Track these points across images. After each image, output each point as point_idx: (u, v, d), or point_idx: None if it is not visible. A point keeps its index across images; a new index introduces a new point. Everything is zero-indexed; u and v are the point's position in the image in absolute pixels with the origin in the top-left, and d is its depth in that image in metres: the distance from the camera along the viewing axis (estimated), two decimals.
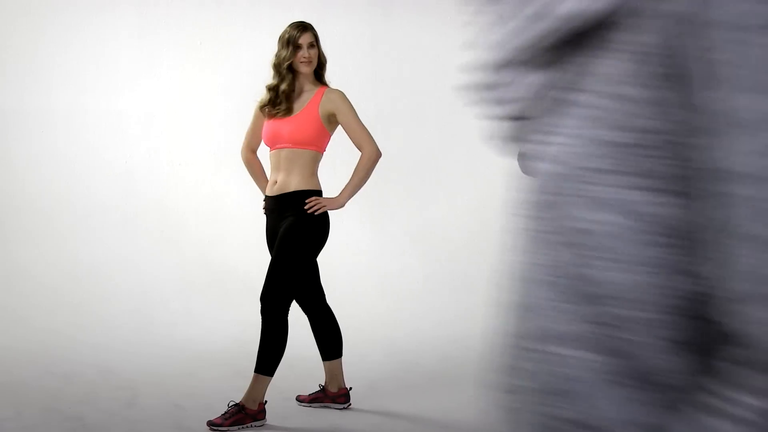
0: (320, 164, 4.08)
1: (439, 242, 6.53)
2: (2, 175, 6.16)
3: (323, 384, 4.25)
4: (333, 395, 4.21)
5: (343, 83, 4.22)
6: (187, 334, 5.43)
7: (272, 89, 4.04)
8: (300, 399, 4.28)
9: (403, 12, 6.64)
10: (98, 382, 4.56)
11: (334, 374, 4.21)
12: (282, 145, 4.00)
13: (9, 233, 6.08)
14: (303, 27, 4.02)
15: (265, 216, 4.14)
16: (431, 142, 6.67)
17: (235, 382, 4.38)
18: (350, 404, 4.23)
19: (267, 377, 3.91)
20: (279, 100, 4.00)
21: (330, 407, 4.21)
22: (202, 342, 5.32)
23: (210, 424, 3.84)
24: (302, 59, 3.96)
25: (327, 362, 4.21)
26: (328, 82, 4.10)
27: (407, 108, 6.65)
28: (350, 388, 4.25)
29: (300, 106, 4.00)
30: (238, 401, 3.92)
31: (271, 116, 4.05)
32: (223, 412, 3.89)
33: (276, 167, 4.03)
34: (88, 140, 6.30)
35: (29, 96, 6.23)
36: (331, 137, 4.09)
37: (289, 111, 4.00)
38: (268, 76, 4.11)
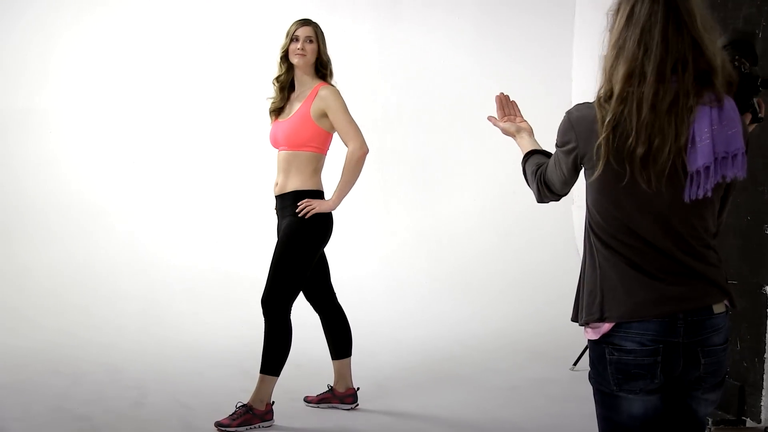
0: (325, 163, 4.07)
1: (445, 243, 6.52)
2: (11, 176, 6.17)
3: (331, 384, 4.26)
4: (341, 395, 4.21)
5: (349, 83, 4.21)
6: (195, 335, 5.44)
7: (273, 81, 4.10)
8: (308, 400, 4.28)
9: (409, 13, 6.63)
10: (106, 382, 4.57)
11: (342, 374, 4.21)
12: (281, 148, 4.02)
13: (17, 234, 6.09)
14: (304, 21, 4.05)
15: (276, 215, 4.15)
16: (437, 143, 6.66)
17: (242, 382, 4.39)
18: (357, 404, 4.23)
19: (273, 377, 3.91)
20: (276, 89, 4.05)
21: (337, 407, 4.21)
22: (210, 342, 5.33)
23: (218, 424, 3.84)
24: (296, 51, 3.96)
25: (336, 361, 4.21)
26: (334, 83, 4.07)
27: (413, 108, 6.64)
28: (358, 388, 4.25)
29: (296, 106, 4.00)
30: (245, 402, 3.93)
31: (273, 116, 4.08)
32: (230, 413, 3.89)
33: (279, 168, 4.05)
34: (95, 141, 6.31)
35: (36, 97, 6.25)
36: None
37: (283, 101, 4.03)
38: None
